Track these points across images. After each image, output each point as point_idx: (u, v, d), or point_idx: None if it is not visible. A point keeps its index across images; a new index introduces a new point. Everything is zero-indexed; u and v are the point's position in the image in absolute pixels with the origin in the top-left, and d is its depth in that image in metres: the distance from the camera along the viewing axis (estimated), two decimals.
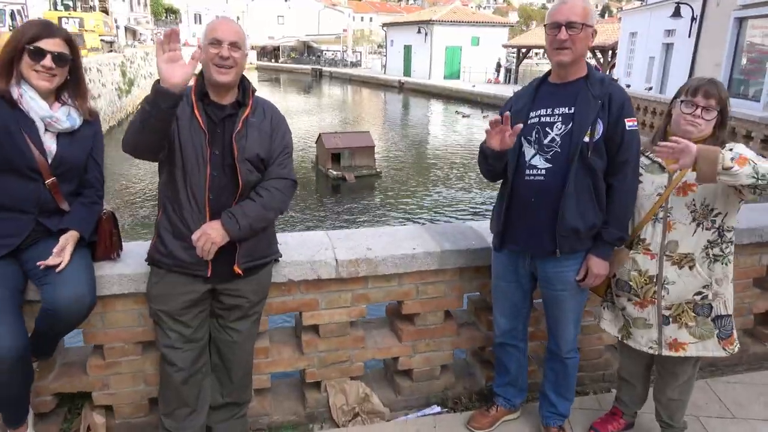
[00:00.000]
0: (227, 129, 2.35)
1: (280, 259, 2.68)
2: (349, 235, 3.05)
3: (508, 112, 2.31)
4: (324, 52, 63.93)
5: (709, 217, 2.35)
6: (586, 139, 2.31)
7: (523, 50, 39.62)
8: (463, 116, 26.86)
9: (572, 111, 2.36)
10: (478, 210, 12.14)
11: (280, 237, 2.91)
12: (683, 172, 2.32)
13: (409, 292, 2.97)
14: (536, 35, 38.70)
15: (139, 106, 2.13)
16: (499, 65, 40.92)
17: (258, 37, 70.52)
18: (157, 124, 2.10)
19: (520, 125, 2.32)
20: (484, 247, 2.95)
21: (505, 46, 41.35)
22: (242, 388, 2.69)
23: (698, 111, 2.28)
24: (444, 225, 3.27)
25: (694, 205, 2.34)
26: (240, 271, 2.37)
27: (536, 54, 77.27)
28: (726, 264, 2.40)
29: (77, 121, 2.41)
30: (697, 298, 2.40)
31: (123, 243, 2.67)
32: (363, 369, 3.08)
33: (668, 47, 22.76)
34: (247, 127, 2.36)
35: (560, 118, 2.39)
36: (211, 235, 2.24)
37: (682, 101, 2.34)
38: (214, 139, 2.32)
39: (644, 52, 25.10)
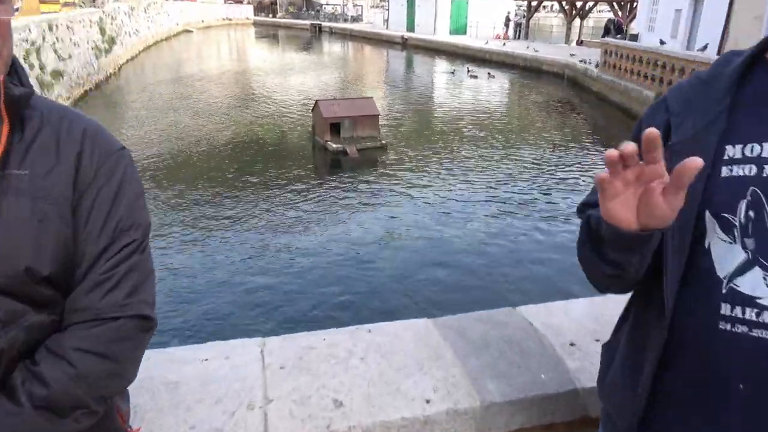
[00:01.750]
0: None
1: None
2: (302, 359, 1.59)
3: (653, 129, 0.81)
4: (324, 6, 60.97)
5: None
6: None
7: (534, 3, 37.17)
8: (471, 76, 24.97)
9: None
10: (498, 195, 10.59)
11: (159, 355, 1.49)
12: None
13: None
14: None
15: None
16: (508, 19, 38.50)
17: None
18: None
19: (699, 161, 0.79)
20: (566, 391, 1.51)
21: None
22: None
23: None
24: (482, 326, 1.79)
25: None
26: None
27: (544, 7, 74.33)
28: None
29: None
30: None
31: None
32: None
33: None
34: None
35: None
36: None
37: None
38: None
39: (670, 3, 22.98)
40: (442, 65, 30.64)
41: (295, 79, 25.08)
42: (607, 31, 23.02)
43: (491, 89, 22.86)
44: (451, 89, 22.68)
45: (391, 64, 33.24)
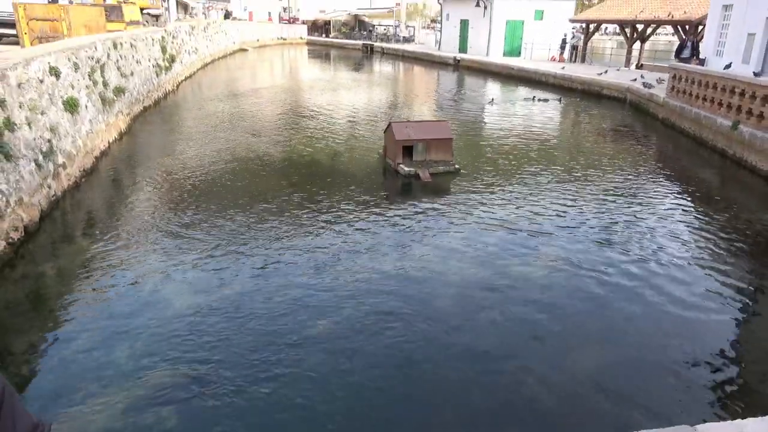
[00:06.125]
0: None
1: None
2: None
3: None
4: (376, 27, 61.45)
5: None
6: None
7: (593, 25, 36.41)
8: (537, 100, 24.36)
9: None
10: (582, 235, 9.94)
11: None
12: None
13: None
14: (606, 8, 35.33)
15: None
16: (564, 42, 37.80)
17: (309, 10, 68.45)
18: None
19: None
20: None
21: (572, 21, 38.07)
22: None
23: None
24: None
25: None
26: None
27: (598, 30, 73.27)
28: None
29: None
30: None
31: None
32: None
33: None
34: None
35: None
36: None
37: None
38: None
39: (741, 27, 21.94)
40: (497, 87, 30.12)
41: (348, 98, 24.96)
42: (678, 53, 22.09)
43: (554, 114, 22.21)
44: (515, 113, 22.09)
45: (445, 85, 32.84)
